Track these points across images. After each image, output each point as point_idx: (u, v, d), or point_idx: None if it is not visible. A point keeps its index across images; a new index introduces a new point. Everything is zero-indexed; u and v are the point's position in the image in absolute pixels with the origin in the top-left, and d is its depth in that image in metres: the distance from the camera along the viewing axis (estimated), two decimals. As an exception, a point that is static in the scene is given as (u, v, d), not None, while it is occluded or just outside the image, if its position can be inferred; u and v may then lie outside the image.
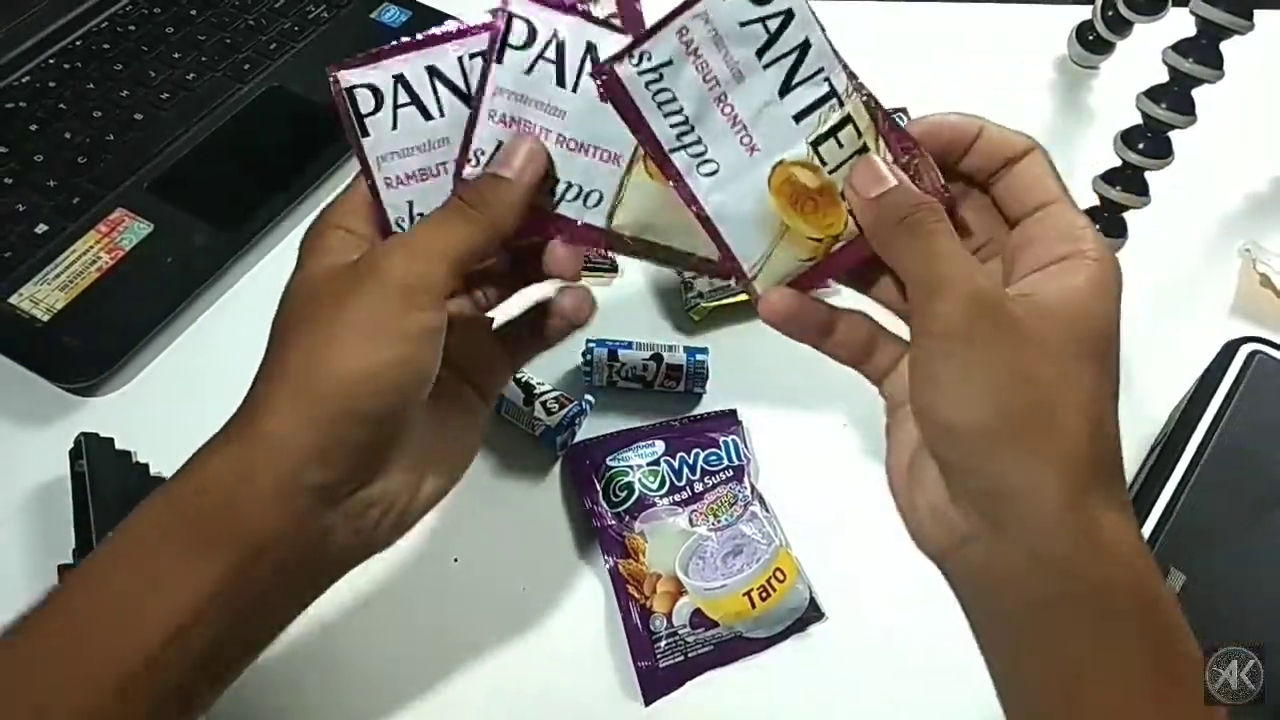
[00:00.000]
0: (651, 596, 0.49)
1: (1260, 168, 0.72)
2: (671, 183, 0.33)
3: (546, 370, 0.57)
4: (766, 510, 0.52)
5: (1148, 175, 0.61)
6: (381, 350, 0.31)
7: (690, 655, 0.48)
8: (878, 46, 0.79)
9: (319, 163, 0.67)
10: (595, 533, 0.52)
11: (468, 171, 0.34)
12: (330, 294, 0.32)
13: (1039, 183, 0.35)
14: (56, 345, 0.56)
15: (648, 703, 0.47)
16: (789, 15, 0.32)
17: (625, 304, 0.63)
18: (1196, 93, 0.58)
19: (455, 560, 0.52)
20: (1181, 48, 0.57)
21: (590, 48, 0.33)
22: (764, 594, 0.49)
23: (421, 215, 0.34)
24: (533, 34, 0.34)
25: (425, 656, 0.48)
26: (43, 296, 0.58)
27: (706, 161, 0.33)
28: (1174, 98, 0.58)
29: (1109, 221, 0.63)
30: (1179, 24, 0.58)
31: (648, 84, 0.32)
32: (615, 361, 0.56)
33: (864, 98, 0.33)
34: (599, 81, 0.33)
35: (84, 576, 0.31)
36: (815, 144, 0.33)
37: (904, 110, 0.72)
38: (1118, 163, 0.62)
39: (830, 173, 0.33)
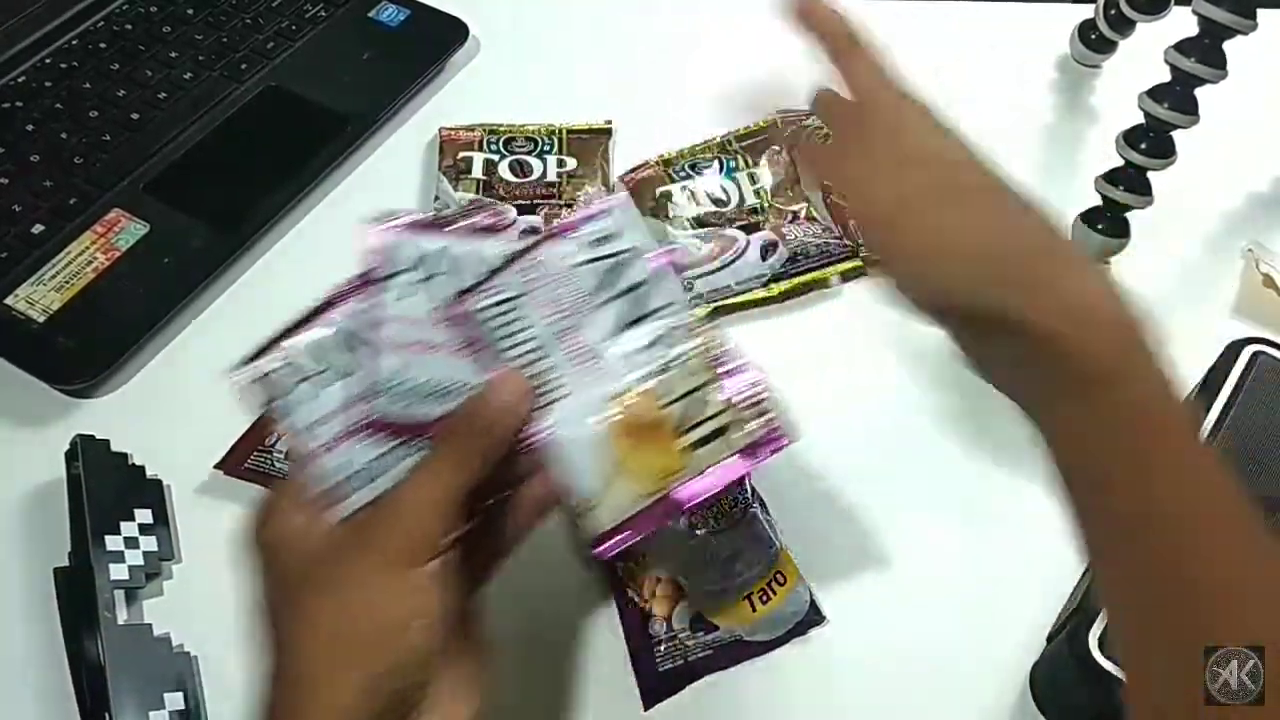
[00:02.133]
0: (651, 600, 0.49)
1: (1263, 168, 0.72)
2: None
3: (545, 372, 0.57)
4: (767, 513, 0.52)
5: (1150, 175, 0.61)
6: (405, 601, 0.32)
7: (690, 659, 0.48)
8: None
9: (317, 162, 0.66)
10: (594, 535, 0.52)
11: (379, 404, 0.35)
12: (333, 567, 0.32)
13: None
14: (52, 347, 0.56)
15: (647, 707, 0.47)
16: (628, 256, 0.35)
17: (624, 305, 0.62)
18: (1199, 92, 0.58)
19: (453, 563, 0.51)
20: (1184, 47, 0.57)
21: (467, 256, 0.35)
22: (764, 597, 0.49)
23: (359, 471, 0.34)
24: (410, 258, 0.35)
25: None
26: (39, 298, 0.58)
27: (548, 392, 0.34)
28: (1176, 97, 0.58)
29: (1111, 221, 0.63)
30: (1181, 23, 0.58)
31: (493, 317, 0.35)
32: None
33: (703, 337, 0.35)
34: (444, 313, 0.34)
35: None
36: (654, 377, 0.34)
37: (904, 110, 0.71)
38: (1120, 162, 0.61)
39: (666, 406, 0.34)
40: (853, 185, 0.39)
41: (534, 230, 0.62)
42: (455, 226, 0.36)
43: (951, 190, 0.38)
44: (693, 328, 0.35)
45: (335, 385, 0.35)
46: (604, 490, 0.34)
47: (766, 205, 0.65)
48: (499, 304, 0.35)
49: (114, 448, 0.52)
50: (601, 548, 0.34)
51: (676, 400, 0.34)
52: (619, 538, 0.34)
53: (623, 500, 0.34)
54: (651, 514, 0.34)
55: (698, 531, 0.50)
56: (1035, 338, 0.33)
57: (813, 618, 0.49)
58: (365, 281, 0.36)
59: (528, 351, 0.34)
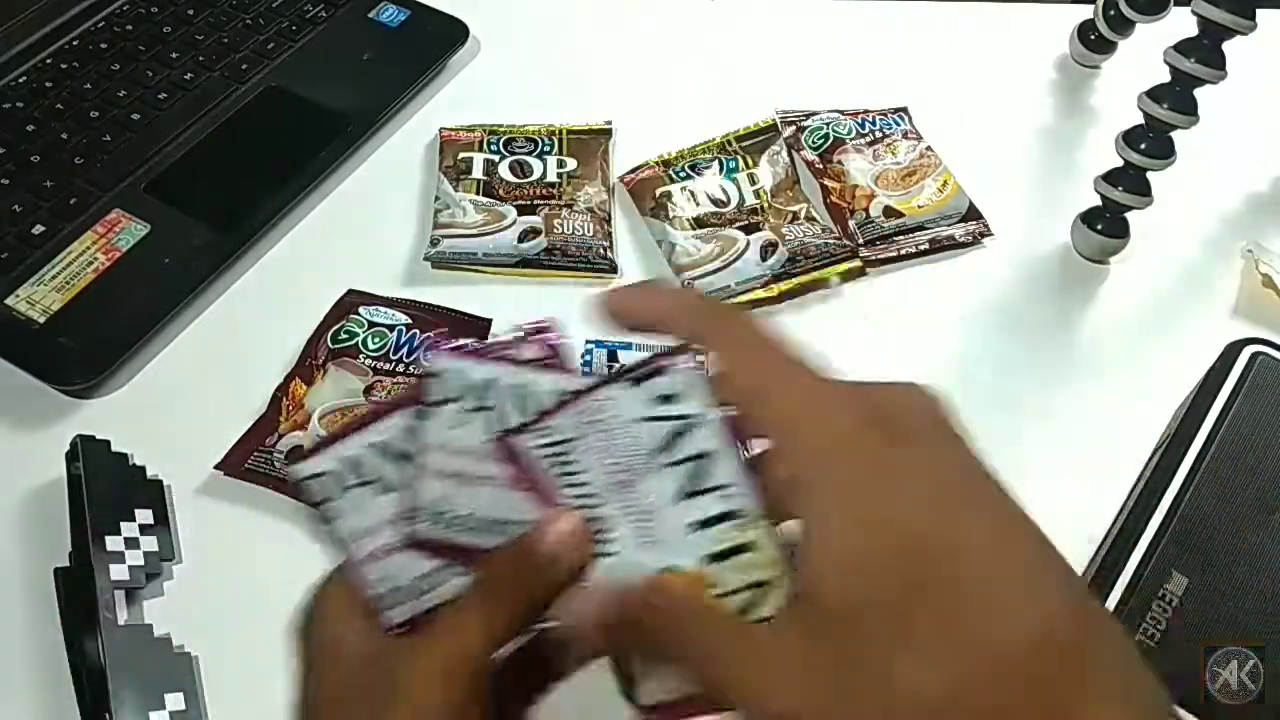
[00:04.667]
0: (651, 599, 0.49)
1: (1262, 168, 0.72)
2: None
3: (545, 372, 0.57)
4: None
5: (1150, 175, 0.61)
6: None
7: (690, 659, 0.48)
8: (878, 46, 0.79)
9: (317, 163, 0.66)
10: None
11: (419, 528, 0.33)
12: (358, 704, 0.30)
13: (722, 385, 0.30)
14: (53, 347, 0.56)
15: (647, 707, 0.47)
16: (694, 421, 0.31)
17: (624, 305, 0.62)
18: (1199, 92, 0.58)
19: (454, 563, 0.51)
20: (1183, 47, 0.57)
21: (518, 390, 0.33)
22: (764, 597, 0.49)
23: (405, 586, 0.33)
24: (459, 387, 0.33)
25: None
26: (39, 298, 0.58)
27: (600, 543, 0.32)
28: (1176, 98, 0.58)
29: (1111, 221, 0.63)
30: (1181, 23, 0.58)
31: (546, 458, 0.32)
32: (614, 362, 0.56)
33: (765, 531, 0.31)
34: (495, 449, 0.32)
35: None
36: (712, 560, 0.31)
37: (904, 110, 0.71)
38: (1119, 163, 0.61)
39: (721, 598, 0.31)
40: None
41: (534, 231, 0.62)
42: (509, 356, 0.33)
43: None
44: (758, 517, 0.31)
45: (383, 498, 0.34)
46: (648, 666, 0.32)
47: (766, 205, 0.65)
48: (552, 445, 0.32)
49: (114, 448, 0.52)
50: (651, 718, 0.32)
51: (731, 594, 0.31)
52: (679, 715, 0.32)
53: (668, 683, 0.31)
54: (696, 706, 0.31)
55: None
56: None
57: (813, 618, 0.49)
58: (415, 401, 0.34)
59: (582, 495, 0.32)
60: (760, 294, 0.61)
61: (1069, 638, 0.24)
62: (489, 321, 0.59)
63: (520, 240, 0.62)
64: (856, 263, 0.63)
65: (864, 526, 0.25)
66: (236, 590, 0.50)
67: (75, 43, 0.71)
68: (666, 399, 0.32)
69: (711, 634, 0.27)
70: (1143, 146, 0.60)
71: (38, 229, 0.61)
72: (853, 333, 0.61)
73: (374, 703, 0.30)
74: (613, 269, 0.63)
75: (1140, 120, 0.60)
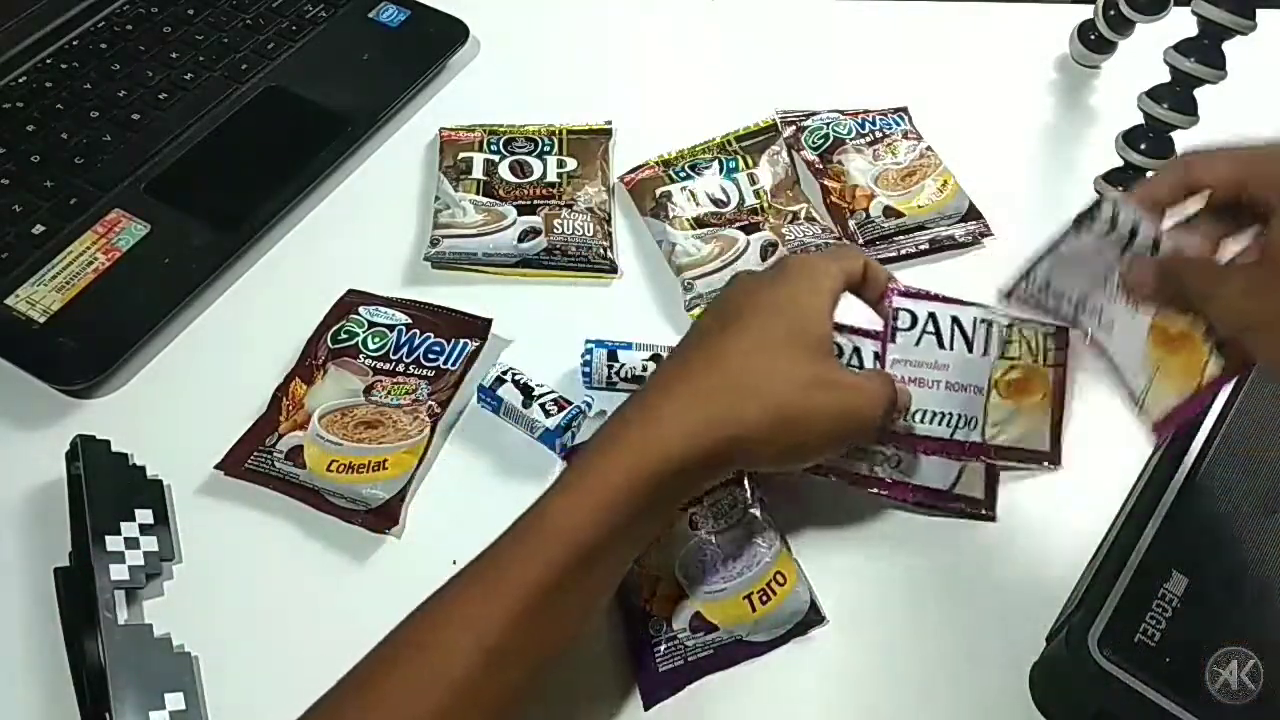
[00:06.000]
0: (651, 600, 0.49)
1: (1262, 168, 0.72)
2: (1088, 340, 0.47)
3: (546, 371, 0.57)
4: (767, 513, 0.52)
5: (1150, 175, 0.61)
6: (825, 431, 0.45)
7: (690, 659, 0.48)
8: (878, 46, 0.79)
9: (317, 163, 0.66)
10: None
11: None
12: (815, 371, 0.44)
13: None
14: (53, 347, 0.56)
15: (647, 707, 0.47)
16: (1136, 225, 0.43)
17: (625, 304, 0.62)
18: (1199, 92, 0.58)
19: (454, 563, 0.51)
20: (1183, 47, 0.57)
21: (955, 320, 0.50)
22: (764, 597, 0.49)
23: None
24: (914, 318, 0.49)
25: (423, 660, 0.48)
26: (39, 298, 0.58)
27: (1103, 322, 0.46)
28: (1176, 98, 0.58)
29: (1111, 222, 0.63)
30: (1181, 23, 0.58)
31: (1039, 292, 0.48)
32: (614, 362, 0.56)
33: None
34: (1007, 302, 0.49)
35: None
36: None
37: (904, 110, 0.71)
38: (1119, 163, 0.61)
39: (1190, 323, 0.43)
40: None
41: (534, 231, 0.62)
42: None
43: None
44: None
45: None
46: (1147, 390, 0.44)
47: (766, 205, 0.65)
48: (1037, 291, 0.47)
49: (114, 448, 0.52)
50: (1160, 431, 0.44)
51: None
52: (1177, 419, 0.43)
53: (1164, 397, 0.43)
54: (1190, 405, 0.42)
55: (698, 531, 0.50)
56: None
57: (813, 618, 0.49)
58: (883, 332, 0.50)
59: (1076, 304, 0.47)
60: None
61: None
62: (489, 321, 0.59)
63: (520, 240, 0.62)
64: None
65: None
66: (236, 590, 0.50)
67: (75, 43, 0.72)
68: (1109, 224, 0.43)
69: (1207, 272, 0.41)
70: (1143, 146, 0.60)
71: (38, 229, 0.61)
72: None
73: (834, 389, 0.45)
74: (613, 269, 0.63)
75: (1140, 120, 0.60)
